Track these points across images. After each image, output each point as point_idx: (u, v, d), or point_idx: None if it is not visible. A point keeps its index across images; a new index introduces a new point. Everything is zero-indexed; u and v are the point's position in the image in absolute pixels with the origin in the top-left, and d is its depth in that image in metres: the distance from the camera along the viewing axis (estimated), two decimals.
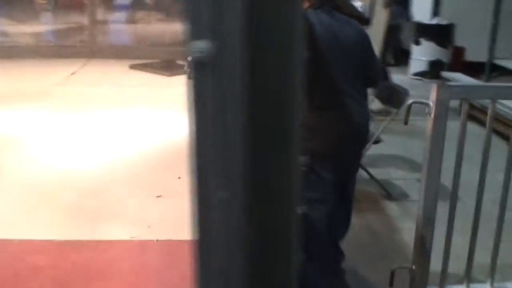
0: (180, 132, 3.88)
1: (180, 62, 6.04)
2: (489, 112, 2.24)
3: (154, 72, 5.85)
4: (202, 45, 0.82)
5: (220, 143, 0.82)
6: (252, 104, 0.80)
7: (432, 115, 2.20)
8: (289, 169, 0.84)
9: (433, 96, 2.23)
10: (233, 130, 0.81)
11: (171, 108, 4.57)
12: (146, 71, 5.92)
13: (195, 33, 0.81)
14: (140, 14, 6.92)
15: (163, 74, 5.76)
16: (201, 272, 0.81)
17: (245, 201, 0.81)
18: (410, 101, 2.37)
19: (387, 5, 7.42)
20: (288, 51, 0.83)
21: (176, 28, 7.03)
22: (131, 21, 7.06)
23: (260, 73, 0.81)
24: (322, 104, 2.90)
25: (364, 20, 5.09)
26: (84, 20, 6.57)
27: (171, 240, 2.41)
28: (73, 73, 5.71)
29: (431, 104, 2.22)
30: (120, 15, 7.24)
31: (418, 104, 2.43)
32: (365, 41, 3.09)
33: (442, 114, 2.19)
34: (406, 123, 2.37)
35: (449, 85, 2.25)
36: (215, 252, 0.81)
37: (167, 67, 5.96)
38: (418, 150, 4.62)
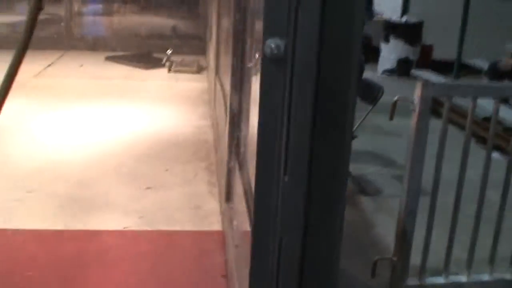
0: (162, 125, 3.96)
1: (156, 55, 6.16)
2: (470, 109, 2.37)
3: (130, 65, 5.87)
4: (276, 42, 0.88)
5: (287, 133, 0.89)
6: (316, 97, 0.88)
7: (416, 111, 2.31)
8: (343, 153, 0.93)
9: (417, 93, 2.34)
10: (299, 121, 0.87)
11: (151, 101, 4.62)
12: (121, 63, 5.94)
13: (270, 30, 0.87)
14: (115, 6, 6.91)
15: (139, 67, 5.79)
16: (258, 253, 0.90)
17: (306, 185, 0.90)
18: (396, 97, 2.47)
19: None
20: (348, 51, 0.91)
21: (152, 21, 7.06)
22: (107, 13, 7.05)
23: (324, 70, 0.89)
24: None
25: None
26: (61, 11, 6.53)
27: (163, 230, 2.49)
28: (49, 65, 5.69)
29: (415, 100, 2.32)
30: (96, 7, 7.22)
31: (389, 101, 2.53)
32: None
33: (425, 110, 2.31)
34: (391, 118, 2.47)
35: (433, 83, 2.35)
36: (275, 233, 0.90)
37: (143, 60, 5.98)
38: (392, 146, 4.76)
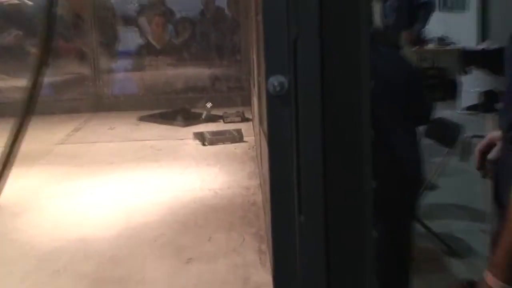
0: (203, 187, 4.05)
1: (195, 110, 6.36)
2: None
3: (166, 123, 6.08)
4: (279, 79, 0.96)
5: (298, 171, 0.97)
6: (326, 133, 0.95)
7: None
8: (362, 194, 0.99)
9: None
10: (310, 158, 0.94)
11: (190, 162, 4.75)
12: (157, 122, 6.17)
13: (272, 68, 0.96)
14: (147, 60, 7.22)
15: (176, 125, 5.98)
16: None
17: (323, 224, 0.95)
18: (469, 135, 2.48)
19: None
20: (355, 80, 0.98)
21: (188, 73, 7.34)
22: (137, 68, 7.36)
23: (331, 104, 0.96)
24: None
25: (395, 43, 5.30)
26: (86, 70, 6.89)
27: None
28: (75, 130, 5.95)
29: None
30: (125, 63, 7.56)
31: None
32: (412, 76, 3.21)
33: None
34: (463, 159, 2.46)
35: None
36: (296, 276, 0.94)
37: (181, 117, 6.17)
38: (480, 195, 4.66)
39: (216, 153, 5.03)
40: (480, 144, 2.51)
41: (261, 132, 3.72)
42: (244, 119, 6.03)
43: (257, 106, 4.34)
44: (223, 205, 3.76)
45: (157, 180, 4.32)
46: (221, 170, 4.51)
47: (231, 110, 6.24)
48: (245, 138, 5.36)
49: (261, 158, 3.83)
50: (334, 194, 1.04)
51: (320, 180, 0.99)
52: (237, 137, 5.30)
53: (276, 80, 0.96)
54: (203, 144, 5.21)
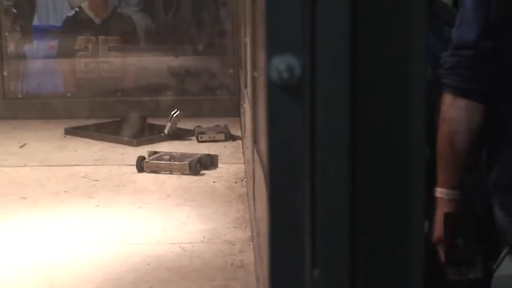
0: (166, 243, 4.02)
1: (154, 120, 6.27)
2: None
3: (107, 140, 6.05)
4: (288, 61, 0.95)
5: (313, 205, 0.96)
6: (357, 147, 0.94)
7: None
8: (408, 244, 0.99)
9: None
10: (332, 186, 0.94)
11: (144, 200, 4.72)
12: (94, 138, 6.12)
13: (277, 44, 0.94)
14: (79, 41, 7.11)
15: (123, 143, 5.95)
16: None
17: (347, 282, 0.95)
18: None
19: None
20: (405, 69, 0.98)
21: (144, 62, 7.31)
22: (64, 53, 7.26)
23: (366, 101, 0.95)
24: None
25: None
26: None
27: None
28: None
29: None
30: (45, 45, 7.50)
31: None
32: None
33: None
34: None
35: None
36: None
37: (131, 131, 6.12)
38: None
39: (186, 187, 5.02)
40: None
41: (255, 155, 3.70)
42: (229, 137, 6.01)
43: (250, 117, 4.31)
44: (194, 269, 3.74)
45: (92, 227, 4.29)
46: (192, 214, 4.50)
47: (209, 123, 6.23)
48: (228, 166, 5.36)
49: (254, 197, 3.81)
50: (365, 240, 1.03)
51: (346, 218, 0.96)
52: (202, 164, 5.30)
53: (283, 62, 0.92)
54: (140, 170, 5.30)
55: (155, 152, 5.49)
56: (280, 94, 0.94)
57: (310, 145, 0.96)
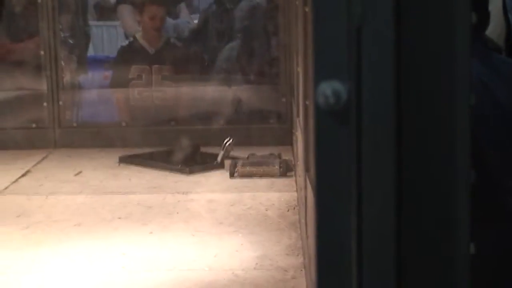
0: (218, 270, 4.02)
1: (207, 149, 6.30)
2: None
3: (161, 168, 6.09)
4: (334, 87, 0.97)
5: (359, 233, 0.97)
6: (404, 172, 0.95)
7: None
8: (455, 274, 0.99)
9: None
10: (378, 213, 0.95)
11: (197, 227, 4.72)
12: (147, 166, 6.18)
13: (323, 71, 0.97)
14: (133, 71, 7.14)
15: (176, 171, 6.00)
16: None
17: None
18: None
19: None
20: (450, 96, 0.99)
21: (196, 91, 7.32)
22: (117, 83, 7.30)
23: (411, 127, 0.97)
24: None
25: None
26: (42, 84, 6.88)
27: None
28: (24, 174, 5.96)
29: None
30: (99, 75, 7.56)
31: None
32: None
33: None
34: None
35: None
36: None
37: (184, 160, 6.14)
38: None
39: (238, 214, 5.02)
40: None
41: (307, 182, 3.69)
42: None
43: (302, 145, 4.30)
44: None
45: (146, 253, 4.31)
46: (244, 241, 4.50)
47: (263, 151, 6.25)
48: (280, 194, 5.35)
49: (306, 224, 3.80)
50: (413, 270, 1.03)
51: (392, 243, 0.97)
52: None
53: (330, 88, 0.94)
54: (231, 176, 5.59)
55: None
56: (327, 119, 0.95)
57: (357, 168, 0.98)
